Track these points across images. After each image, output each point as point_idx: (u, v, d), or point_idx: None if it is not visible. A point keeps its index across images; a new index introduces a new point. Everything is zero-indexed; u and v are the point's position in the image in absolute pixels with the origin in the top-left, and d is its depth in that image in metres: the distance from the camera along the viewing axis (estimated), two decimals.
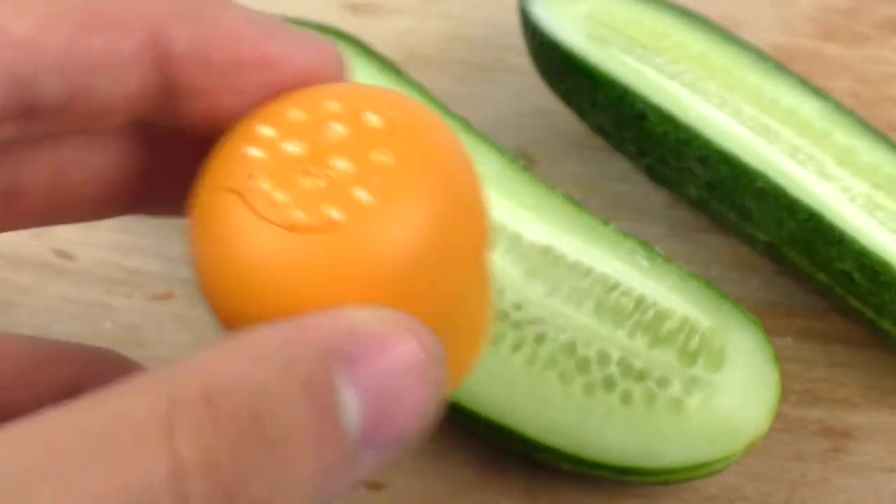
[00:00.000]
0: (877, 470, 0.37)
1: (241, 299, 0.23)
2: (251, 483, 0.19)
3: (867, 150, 0.40)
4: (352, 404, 0.21)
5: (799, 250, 0.39)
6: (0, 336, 0.29)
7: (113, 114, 0.24)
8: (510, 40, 0.49)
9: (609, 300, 0.36)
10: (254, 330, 0.21)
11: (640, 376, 0.35)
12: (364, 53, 0.40)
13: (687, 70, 0.42)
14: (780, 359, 0.35)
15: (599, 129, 0.44)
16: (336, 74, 0.26)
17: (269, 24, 0.25)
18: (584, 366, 0.35)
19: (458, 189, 0.24)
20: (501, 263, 0.37)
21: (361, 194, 0.23)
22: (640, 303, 0.36)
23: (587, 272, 0.37)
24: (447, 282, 0.24)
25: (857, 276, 0.37)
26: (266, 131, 0.24)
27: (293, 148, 0.23)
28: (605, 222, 0.38)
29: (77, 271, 0.42)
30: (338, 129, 0.24)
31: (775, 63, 0.43)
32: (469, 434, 0.37)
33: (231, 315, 0.24)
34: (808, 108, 0.41)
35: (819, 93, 0.42)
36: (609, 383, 0.35)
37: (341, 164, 0.23)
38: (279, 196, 0.23)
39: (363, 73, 0.40)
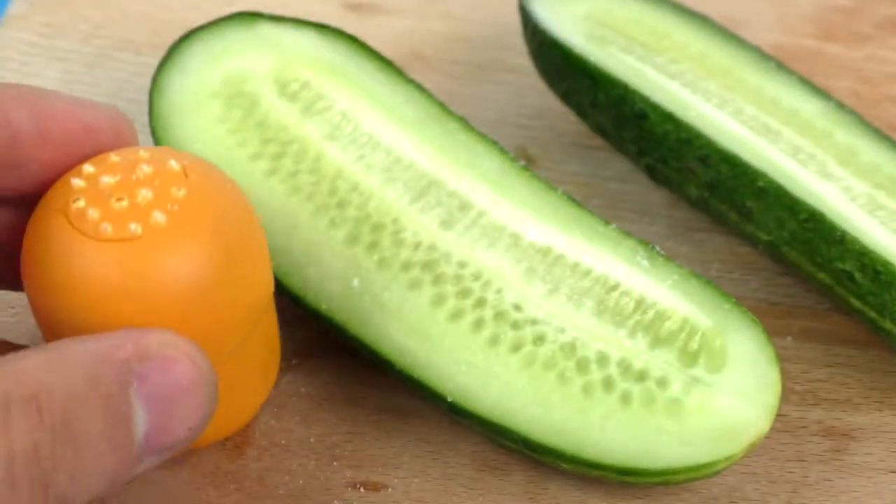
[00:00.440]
0: (878, 470, 0.37)
1: (59, 298, 0.29)
2: (59, 471, 0.25)
3: (868, 150, 0.40)
4: (141, 416, 0.26)
5: (800, 250, 0.39)
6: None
7: None
8: (510, 40, 0.49)
9: (609, 300, 0.36)
10: (71, 342, 0.27)
11: (640, 377, 0.35)
12: (364, 53, 0.40)
13: (687, 70, 0.42)
14: (780, 359, 0.35)
15: (599, 129, 0.44)
16: (132, 135, 0.33)
17: (86, 103, 0.32)
18: (583, 366, 0.35)
19: (240, 220, 0.31)
20: (501, 263, 0.37)
21: (158, 215, 0.29)
22: (641, 303, 0.36)
23: (587, 272, 0.37)
24: (228, 306, 0.31)
25: (858, 275, 0.37)
26: (88, 168, 0.31)
27: (108, 179, 0.30)
28: (606, 222, 0.38)
29: None
30: (145, 168, 0.30)
31: (776, 63, 0.43)
32: (469, 434, 0.37)
33: (50, 316, 0.30)
34: (808, 107, 0.41)
35: (820, 92, 0.42)
36: (608, 384, 0.35)
37: (145, 192, 0.30)
38: (92, 213, 0.29)
39: (363, 73, 0.40)
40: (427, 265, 0.37)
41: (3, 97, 0.31)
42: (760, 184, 0.39)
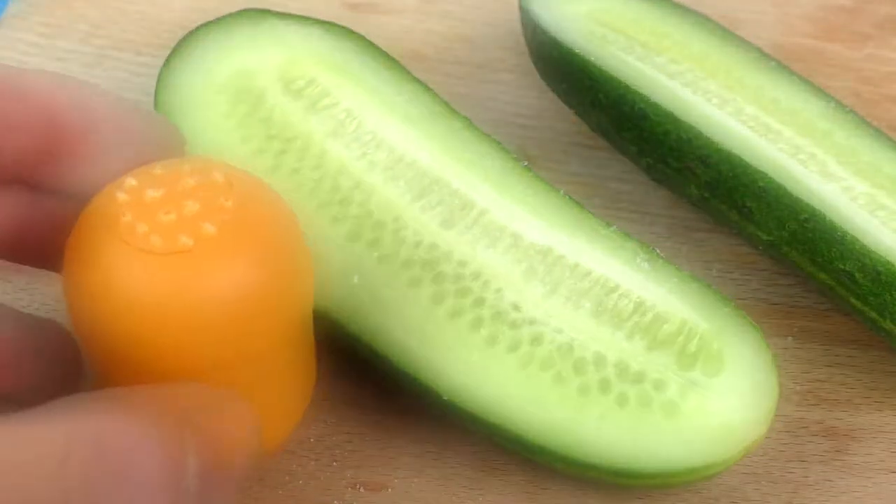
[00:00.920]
0: (879, 471, 0.37)
1: (109, 311, 0.29)
2: None
3: (868, 150, 0.40)
4: (193, 465, 0.27)
5: (800, 250, 0.39)
6: None
7: (2, 168, 0.30)
8: (510, 40, 0.49)
9: (608, 302, 0.36)
10: (131, 392, 0.28)
11: (637, 379, 0.35)
12: (370, 51, 0.40)
13: (688, 69, 0.42)
14: (781, 359, 0.35)
15: (599, 129, 0.44)
16: (180, 146, 0.33)
17: (135, 107, 0.32)
18: (580, 367, 0.35)
19: (287, 231, 0.31)
20: (501, 263, 0.37)
21: (208, 227, 0.29)
22: (640, 305, 0.36)
23: (587, 273, 0.37)
24: (277, 317, 0.31)
25: (858, 275, 0.37)
26: (132, 181, 0.30)
27: (153, 193, 0.29)
28: (608, 224, 0.38)
29: None
30: (190, 181, 0.30)
31: (776, 63, 0.43)
32: (469, 434, 0.37)
33: (95, 328, 0.30)
34: (809, 107, 0.41)
35: (820, 92, 0.42)
36: (605, 385, 0.35)
37: (192, 205, 0.29)
38: (141, 227, 0.29)
39: (368, 71, 0.40)
40: (427, 263, 0.36)
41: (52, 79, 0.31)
42: (761, 184, 0.39)
